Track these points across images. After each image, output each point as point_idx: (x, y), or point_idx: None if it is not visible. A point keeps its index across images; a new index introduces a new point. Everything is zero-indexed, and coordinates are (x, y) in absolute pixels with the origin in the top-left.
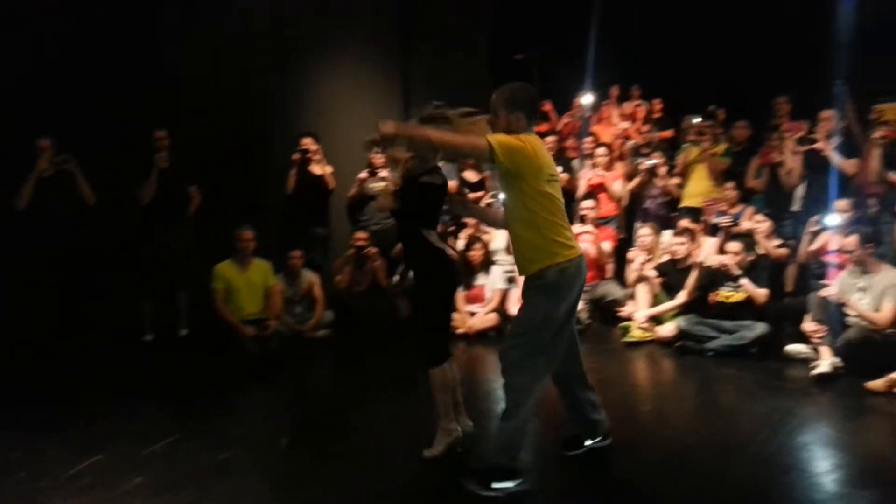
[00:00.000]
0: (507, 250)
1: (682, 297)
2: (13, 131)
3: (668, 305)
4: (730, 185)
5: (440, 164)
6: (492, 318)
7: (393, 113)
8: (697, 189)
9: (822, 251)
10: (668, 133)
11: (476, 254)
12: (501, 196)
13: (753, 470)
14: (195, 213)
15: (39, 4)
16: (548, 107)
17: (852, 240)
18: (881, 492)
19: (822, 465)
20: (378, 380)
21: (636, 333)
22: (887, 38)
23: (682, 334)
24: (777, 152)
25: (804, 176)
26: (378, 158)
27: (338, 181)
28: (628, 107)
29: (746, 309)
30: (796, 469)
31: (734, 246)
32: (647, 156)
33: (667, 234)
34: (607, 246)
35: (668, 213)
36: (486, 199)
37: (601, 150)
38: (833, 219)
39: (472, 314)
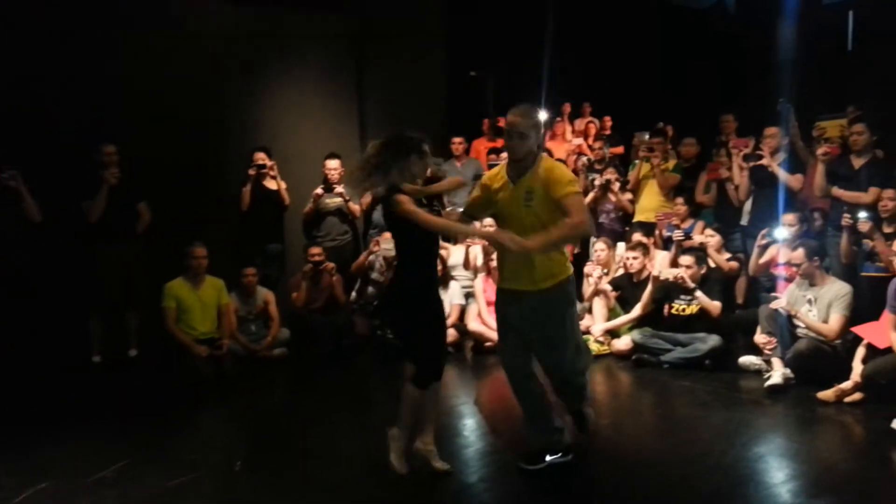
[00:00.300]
0: (465, 265)
1: (637, 310)
2: None
3: (623, 319)
4: (680, 200)
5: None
6: (450, 334)
7: (347, 128)
8: (649, 204)
9: (771, 264)
10: (619, 149)
11: None
12: (460, 210)
13: (712, 481)
14: (145, 231)
15: None
16: (502, 123)
17: (799, 253)
18: (834, 499)
19: (778, 475)
20: (336, 399)
21: (593, 347)
22: (826, 59)
23: (637, 347)
24: (724, 168)
25: (751, 191)
26: (334, 174)
27: (291, 197)
28: (580, 123)
29: (700, 321)
30: (753, 480)
31: (687, 259)
32: (600, 172)
33: (621, 247)
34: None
35: (622, 228)
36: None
37: None
38: (781, 232)
39: None
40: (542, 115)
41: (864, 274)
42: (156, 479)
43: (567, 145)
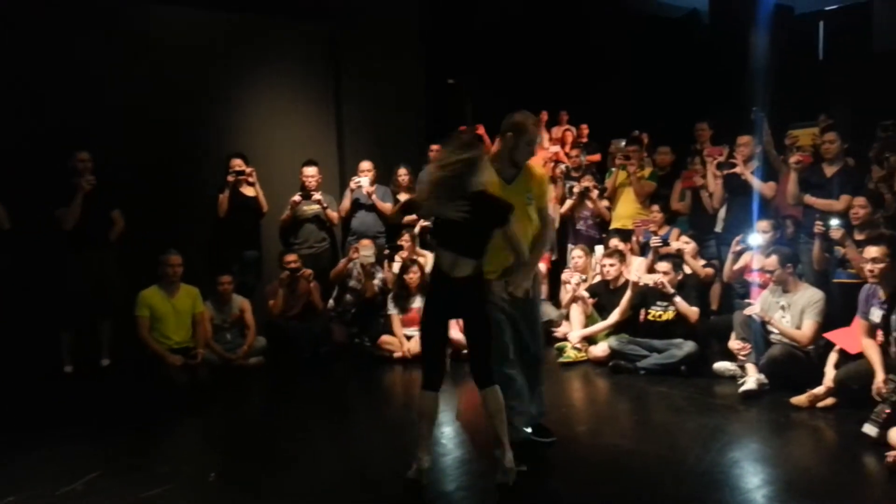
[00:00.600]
0: None
1: (615, 315)
2: None
3: (601, 325)
4: (655, 207)
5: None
6: None
7: (324, 135)
8: (626, 211)
9: (745, 270)
10: (595, 157)
11: (412, 277)
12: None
13: (688, 486)
14: (119, 238)
15: None
16: (481, 130)
17: (772, 260)
18: (808, 503)
19: (753, 480)
20: (313, 407)
21: (571, 354)
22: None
23: (614, 354)
24: (699, 176)
25: (725, 199)
26: (311, 181)
27: (267, 204)
28: (557, 131)
29: (676, 327)
30: (728, 485)
31: (664, 266)
32: (577, 179)
33: (600, 250)
34: (542, 268)
35: (599, 235)
36: (422, 223)
37: None
38: (755, 238)
39: (409, 338)
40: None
41: (836, 280)
42: (128, 491)
43: (544, 153)
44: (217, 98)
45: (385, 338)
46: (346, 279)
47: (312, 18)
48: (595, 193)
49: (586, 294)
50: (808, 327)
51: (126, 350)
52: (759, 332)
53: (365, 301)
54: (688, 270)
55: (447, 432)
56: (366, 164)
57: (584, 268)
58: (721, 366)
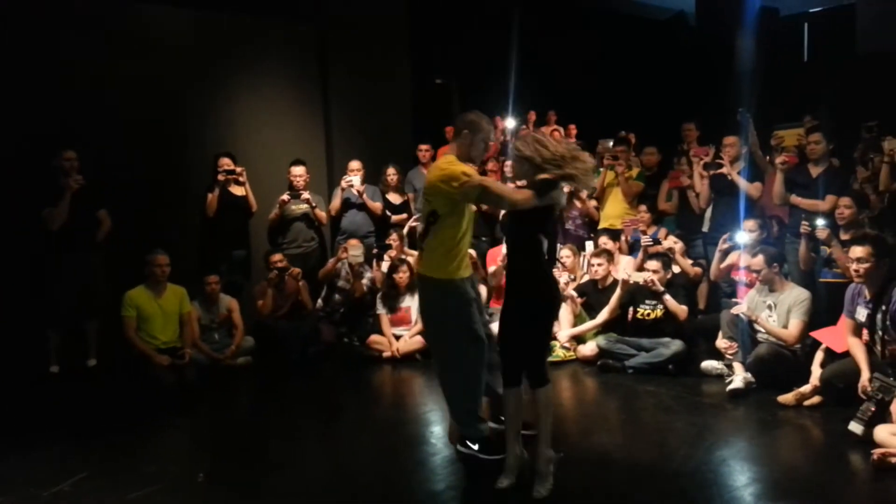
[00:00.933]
0: None
1: (604, 314)
2: None
3: (589, 324)
4: (643, 207)
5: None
6: (418, 341)
7: (312, 135)
8: (614, 211)
9: (732, 268)
10: None
11: (402, 276)
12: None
13: (676, 485)
14: (105, 238)
15: None
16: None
17: (759, 259)
18: (795, 501)
19: (740, 478)
20: (302, 407)
21: (559, 353)
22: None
23: (602, 353)
24: (685, 176)
25: (712, 199)
26: (299, 181)
27: (255, 203)
28: (546, 130)
29: (664, 325)
30: (716, 483)
31: (653, 264)
32: None
33: (589, 245)
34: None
35: (587, 234)
36: (411, 223)
37: None
38: (742, 236)
39: (398, 337)
40: (511, 124)
41: (822, 280)
42: (115, 492)
43: None
44: (205, 97)
45: (374, 337)
46: (334, 279)
47: (301, 19)
48: (584, 193)
49: (574, 293)
50: (794, 326)
51: (113, 350)
52: (746, 331)
53: (354, 301)
54: (677, 269)
55: (436, 431)
56: (355, 164)
57: (572, 267)
58: (708, 364)
